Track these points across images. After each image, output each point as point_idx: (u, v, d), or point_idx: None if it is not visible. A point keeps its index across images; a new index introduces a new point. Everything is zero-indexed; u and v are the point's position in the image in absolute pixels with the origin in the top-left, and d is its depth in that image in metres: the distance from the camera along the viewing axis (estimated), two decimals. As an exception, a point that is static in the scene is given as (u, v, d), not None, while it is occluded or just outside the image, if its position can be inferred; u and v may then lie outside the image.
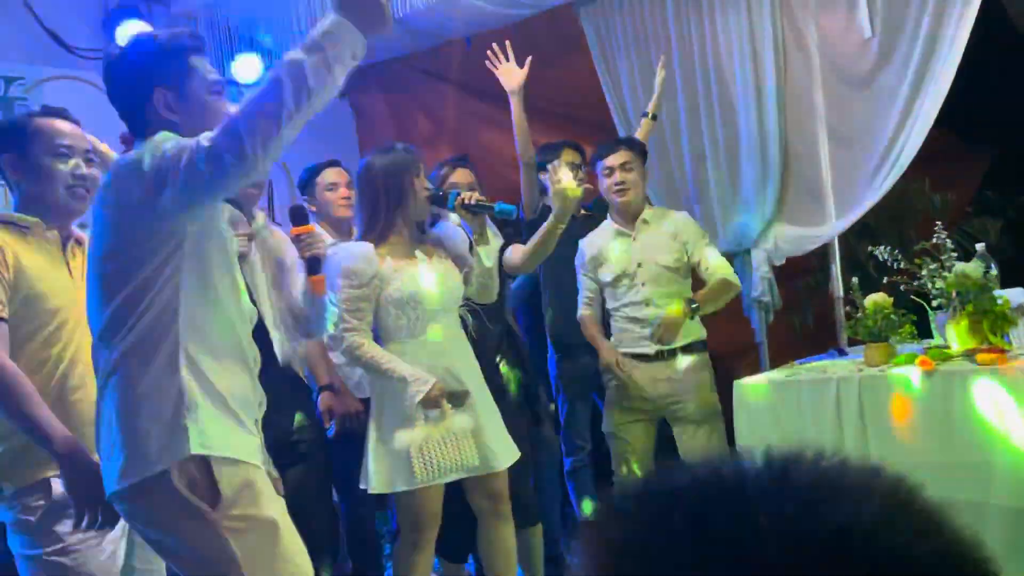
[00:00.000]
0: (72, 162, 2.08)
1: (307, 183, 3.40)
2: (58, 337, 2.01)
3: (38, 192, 2.07)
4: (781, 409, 2.83)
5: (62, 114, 2.13)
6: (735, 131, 3.83)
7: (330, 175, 3.38)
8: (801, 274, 4.16)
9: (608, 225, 3.33)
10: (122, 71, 1.79)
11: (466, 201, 2.62)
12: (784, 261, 3.74)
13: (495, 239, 2.70)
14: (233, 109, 1.68)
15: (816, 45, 3.64)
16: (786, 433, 2.81)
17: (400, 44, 4.63)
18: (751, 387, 2.93)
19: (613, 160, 3.23)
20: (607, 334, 3.28)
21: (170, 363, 1.67)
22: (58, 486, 1.91)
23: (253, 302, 2.10)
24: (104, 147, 2.28)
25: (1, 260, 1.96)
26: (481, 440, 2.58)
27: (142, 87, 1.75)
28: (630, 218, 3.28)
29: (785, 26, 3.70)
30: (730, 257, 3.80)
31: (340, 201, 3.35)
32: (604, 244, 3.28)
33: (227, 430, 1.69)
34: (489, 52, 3.32)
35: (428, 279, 2.61)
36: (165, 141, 1.68)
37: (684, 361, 3.13)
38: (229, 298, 1.78)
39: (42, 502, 1.91)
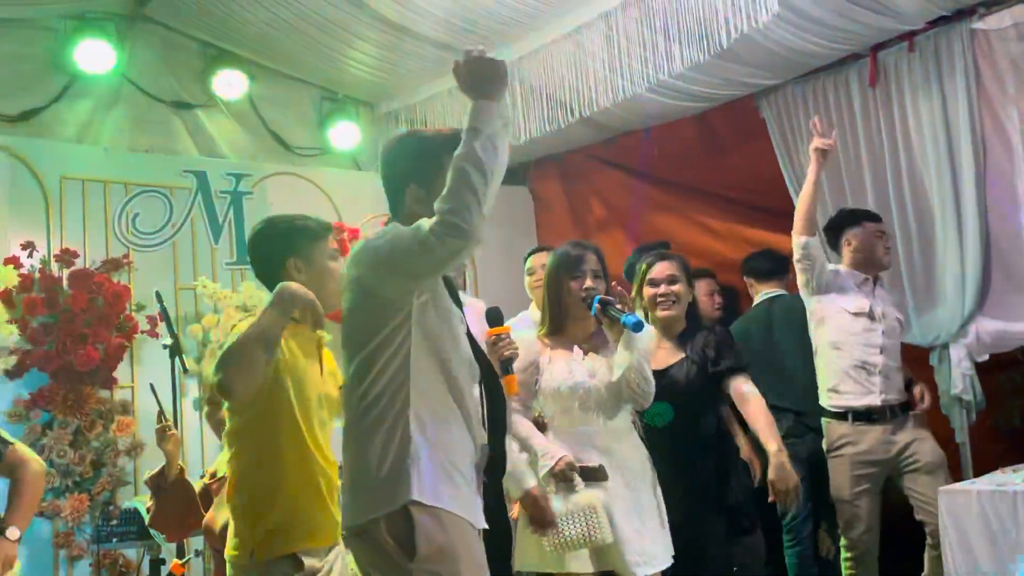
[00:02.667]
0: (341, 262, 2.33)
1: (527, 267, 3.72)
2: (313, 427, 2.22)
3: (315, 292, 2.24)
4: (993, 521, 2.67)
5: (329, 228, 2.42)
6: (930, 221, 3.71)
7: (531, 259, 3.68)
8: (1004, 368, 3.91)
9: (846, 270, 3.47)
10: (385, 166, 2.02)
11: (602, 308, 2.60)
12: (987, 357, 3.56)
13: (623, 352, 2.58)
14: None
15: (1018, 132, 3.51)
16: (999, 548, 2.65)
17: (580, 136, 4.87)
18: (959, 495, 2.79)
19: (883, 226, 3.54)
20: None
21: (399, 423, 1.84)
22: (307, 560, 2.12)
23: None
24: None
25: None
26: (623, 542, 2.50)
27: (398, 182, 1.98)
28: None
29: (983, 113, 3.59)
30: (926, 352, 3.67)
31: (532, 284, 3.62)
32: (848, 280, 3.42)
33: (445, 485, 1.84)
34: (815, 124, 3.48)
35: (578, 375, 2.63)
36: (405, 228, 1.88)
37: (909, 419, 3.34)
38: (459, 366, 1.92)
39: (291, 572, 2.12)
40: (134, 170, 4.34)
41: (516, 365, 2.62)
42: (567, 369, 2.65)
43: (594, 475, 2.54)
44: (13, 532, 2.60)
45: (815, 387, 3.46)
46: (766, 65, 3.94)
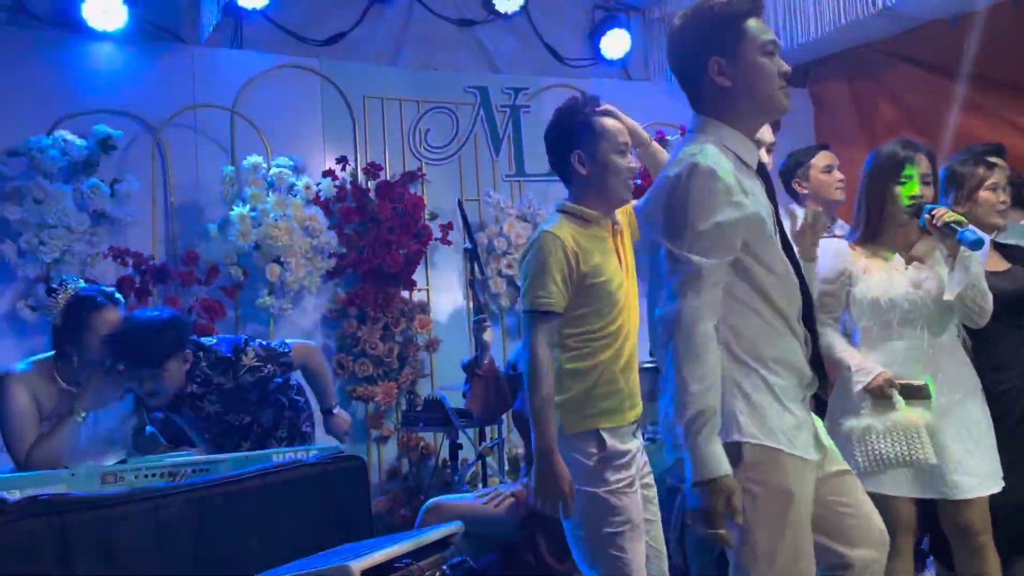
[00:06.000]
0: (629, 157, 2.29)
1: (796, 167, 3.40)
2: (616, 318, 2.25)
3: (600, 186, 2.25)
4: None
5: (613, 114, 2.31)
6: None
7: (825, 158, 3.37)
8: None
9: None
10: (679, 44, 1.83)
11: (934, 220, 2.39)
12: None
13: (959, 273, 2.38)
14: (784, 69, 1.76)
15: None
16: None
17: (874, 29, 4.47)
18: None
19: None
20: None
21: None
22: (607, 437, 2.17)
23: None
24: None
25: (566, 258, 2.18)
26: (949, 462, 2.37)
27: (697, 58, 1.78)
28: None
29: None
30: None
31: (836, 184, 3.32)
32: None
33: (766, 417, 1.73)
34: None
35: (897, 286, 2.47)
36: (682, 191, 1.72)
37: None
38: (777, 280, 1.77)
39: (595, 451, 2.18)
40: (424, 88, 4.63)
41: (825, 274, 2.53)
42: (887, 279, 2.48)
43: (917, 392, 2.39)
44: (339, 409, 3.12)
45: None
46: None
